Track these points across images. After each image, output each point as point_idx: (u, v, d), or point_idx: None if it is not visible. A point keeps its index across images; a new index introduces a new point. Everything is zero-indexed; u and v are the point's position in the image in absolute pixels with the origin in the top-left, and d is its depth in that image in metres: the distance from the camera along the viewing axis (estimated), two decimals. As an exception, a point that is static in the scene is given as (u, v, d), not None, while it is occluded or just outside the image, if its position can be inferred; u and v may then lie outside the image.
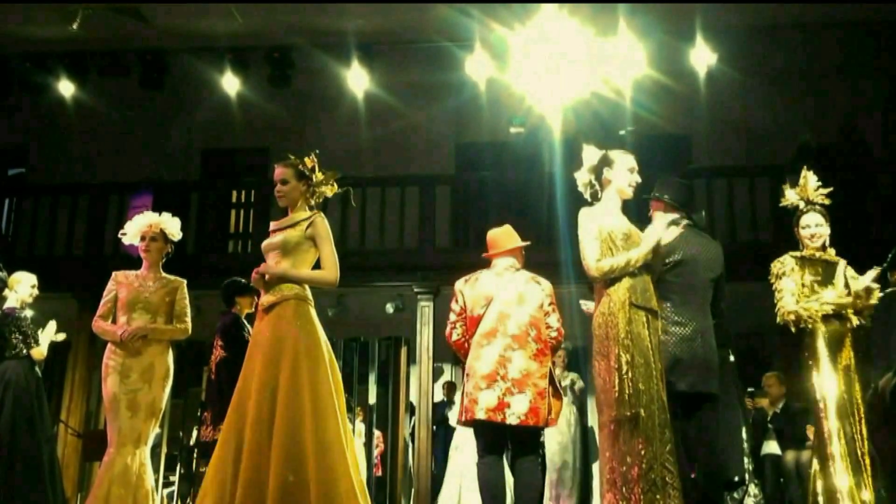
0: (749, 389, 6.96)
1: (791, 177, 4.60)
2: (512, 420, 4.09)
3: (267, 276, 3.88)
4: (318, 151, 4.14)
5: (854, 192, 8.74)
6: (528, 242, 4.55)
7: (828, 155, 9.32)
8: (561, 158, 8.21)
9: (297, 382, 3.69)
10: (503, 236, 4.52)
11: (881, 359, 4.94)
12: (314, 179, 4.08)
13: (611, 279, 3.78)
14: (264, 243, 4.05)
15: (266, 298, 3.91)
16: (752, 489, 5.34)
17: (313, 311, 3.93)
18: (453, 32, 9.38)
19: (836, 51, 9.86)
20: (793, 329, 4.25)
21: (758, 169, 9.46)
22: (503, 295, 4.30)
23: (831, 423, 4.07)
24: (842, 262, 4.38)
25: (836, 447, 4.03)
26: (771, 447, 7.20)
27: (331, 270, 3.95)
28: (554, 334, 4.32)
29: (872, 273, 4.28)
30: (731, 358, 5.51)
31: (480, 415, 4.10)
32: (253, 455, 3.59)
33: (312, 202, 4.11)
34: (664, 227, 3.85)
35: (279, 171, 4.07)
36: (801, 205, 4.45)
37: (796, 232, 4.46)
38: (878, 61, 9.85)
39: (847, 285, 4.30)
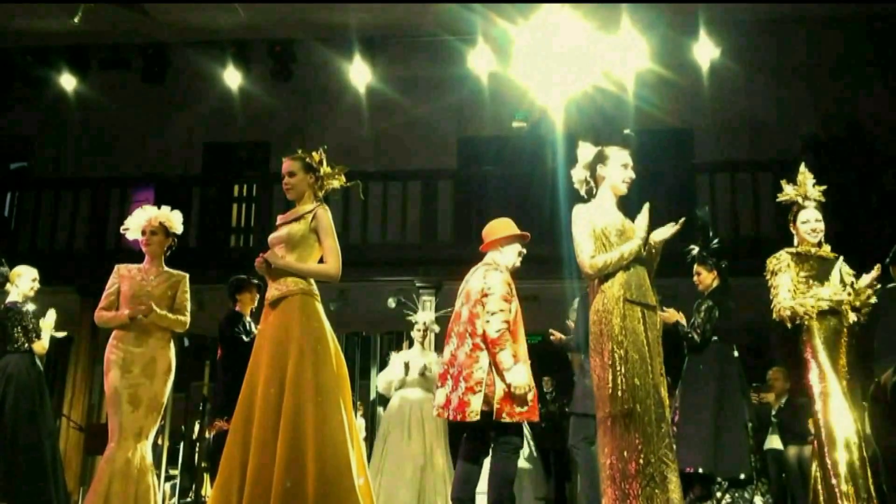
0: (753, 384, 6.92)
1: (796, 171, 4.59)
2: (449, 415, 4.14)
3: (272, 265, 3.88)
4: (325, 146, 4.15)
5: (858, 188, 8.71)
6: (508, 235, 4.39)
7: (832, 149, 9.29)
8: (564, 152, 8.17)
9: (301, 378, 3.67)
10: (489, 230, 4.48)
11: (885, 354, 4.93)
12: (321, 172, 4.09)
13: (605, 275, 3.77)
14: (271, 236, 4.05)
15: (272, 293, 3.90)
16: (762, 487, 5.28)
17: (319, 306, 3.92)
18: (456, 26, 9.35)
19: (839, 46, 9.82)
20: (788, 325, 4.24)
21: (761, 163, 9.43)
22: (460, 294, 4.36)
23: (830, 420, 4.05)
24: (838, 260, 4.36)
25: (839, 442, 4.01)
26: (773, 442, 7.19)
27: (332, 263, 3.94)
28: (486, 326, 4.13)
29: (874, 273, 4.26)
30: (735, 353, 5.51)
31: (434, 412, 4.25)
32: (259, 450, 3.59)
33: (320, 195, 4.11)
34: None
35: (287, 164, 4.07)
36: (799, 200, 4.45)
37: (793, 227, 4.46)
38: (881, 56, 9.80)
39: (843, 281, 4.29)
